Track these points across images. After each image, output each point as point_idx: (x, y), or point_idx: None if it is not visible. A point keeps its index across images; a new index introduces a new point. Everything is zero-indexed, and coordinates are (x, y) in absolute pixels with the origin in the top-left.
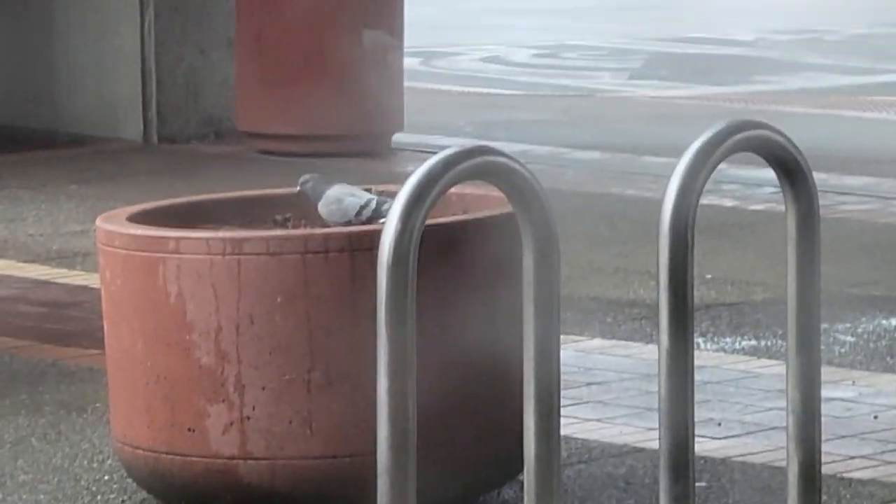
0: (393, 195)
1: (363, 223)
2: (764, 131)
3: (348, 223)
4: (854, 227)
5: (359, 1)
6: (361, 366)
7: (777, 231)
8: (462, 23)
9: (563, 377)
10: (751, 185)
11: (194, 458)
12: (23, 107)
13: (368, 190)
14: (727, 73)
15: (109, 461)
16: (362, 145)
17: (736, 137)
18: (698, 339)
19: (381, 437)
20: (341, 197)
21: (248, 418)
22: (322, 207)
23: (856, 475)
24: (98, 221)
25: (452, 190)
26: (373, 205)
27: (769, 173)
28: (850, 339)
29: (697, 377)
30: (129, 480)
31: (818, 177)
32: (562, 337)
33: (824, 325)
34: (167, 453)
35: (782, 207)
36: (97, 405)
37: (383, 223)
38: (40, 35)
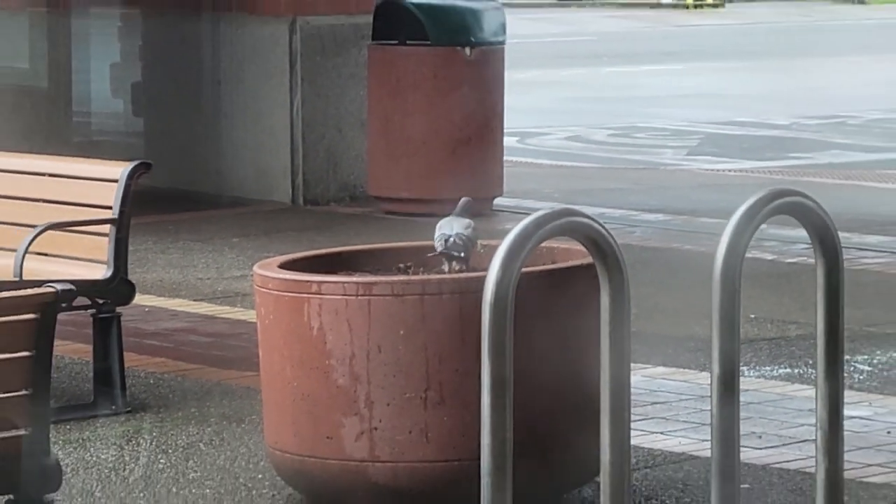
0: (493, 248)
1: (441, 254)
2: (798, 198)
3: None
4: (871, 277)
5: (467, 91)
6: (468, 386)
7: (808, 280)
8: (551, 108)
9: (632, 397)
10: (787, 242)
11: (332, 461)
12: (195, 176)
13: (470, 226)
14: (767, 151)
15: (263, 463)
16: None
17: (775, 203)
18: (743, 368)
19: (484, 444)
20: (441, 225)
21: (376, 429)
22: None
23: (872, 480)
24: (255, 268)
25: (543, 244)
26: (447, 243)
27: (802, 233)
28: (867, 368)
29: (742, 398)
30: (279, 479)
31: (842, 235)
32: (631, 364)
33: (847, 357)
34: (310, 457)
35: (813, 260)
36: (253, 417)
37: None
38: (209, 119)
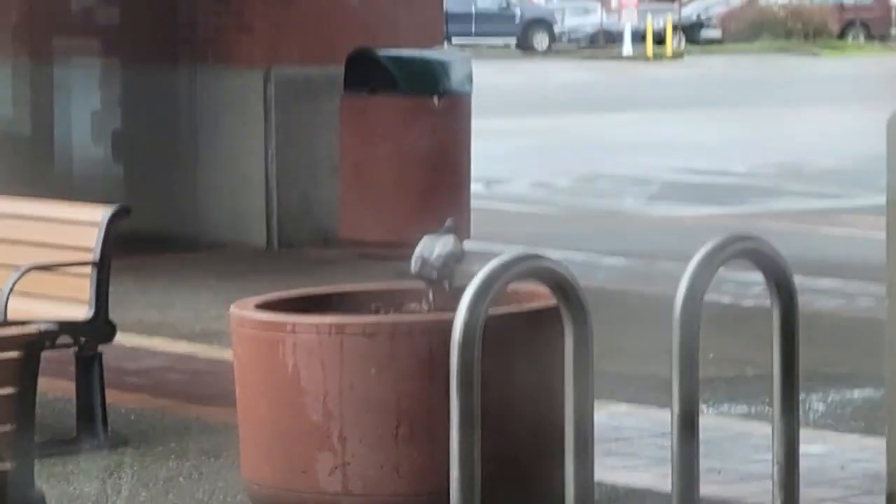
0: (461, 290)
1: (415, 275)
2: (754, 243)
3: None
4: (825, 319)
5: (434, 139)
6: (438, 423)
7: (765, 322)
8: (517, 155)
9: (596, 434)
10: (744, 285)
11: (307, 495)
12: (174, 219)
13: (449, 244)
14: (725, 197)
15: (240, 496)
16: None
17: (732, 247)
18: (703, 406)
19: (453, 478)
20: (424, 244)
21: (349, 463)
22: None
23: None
24: (232, 308)
25: (509, 287)
26: (421, 267)
27: (758, 276)
28: (822, 406)
29: (702, 435)
30: None
31: (797, 279)
32: (595, 402)
33: (802, 396)
34: (285, 490)
35: (769, 302)
36: (230, 452)
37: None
38: (187, 165)
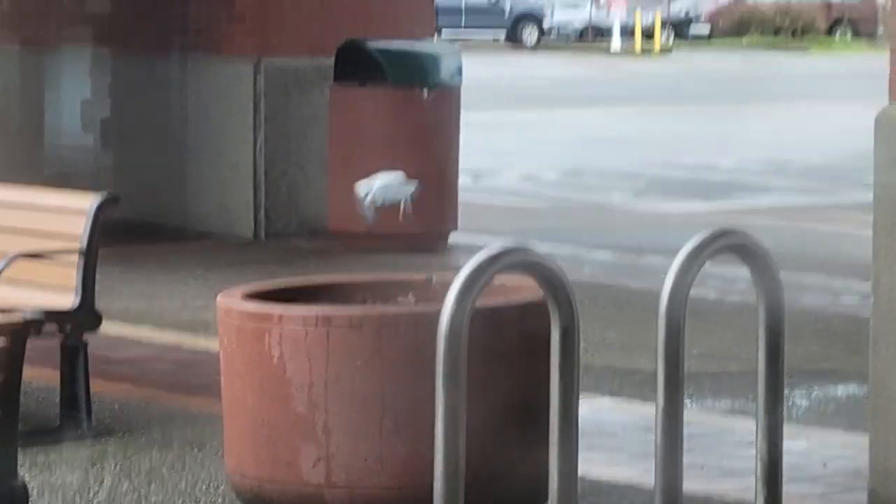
0: (448, 283)
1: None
2: (741, 238)
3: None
4: (810, 316)
5: (423, 131)
6: (422, 416)
7: (750, 317)
8: (505, 149)
9: (580, 427)
10: (729, 280)
11: (290, 486)
12: (161, 209)
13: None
14: (712, 192)
15: (223, 487)
16: (426, 243)
17: (718, 242)
18: (686, 401)
19: (437, 472)
20: (372, 179)
21: (333, 455)
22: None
23: None
24: (218, 298)
25: (495, 280)
26: (367, 197)
27: (744, 271)
28: (805, 402)
29: (685, 431)
30: (238, 503)
31: (782, 275)
32: (580, 396)
33: (786, 392)
34: (269, 481)
35: (754, 298)
36: (214, 443)
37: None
38: (175, 154)
